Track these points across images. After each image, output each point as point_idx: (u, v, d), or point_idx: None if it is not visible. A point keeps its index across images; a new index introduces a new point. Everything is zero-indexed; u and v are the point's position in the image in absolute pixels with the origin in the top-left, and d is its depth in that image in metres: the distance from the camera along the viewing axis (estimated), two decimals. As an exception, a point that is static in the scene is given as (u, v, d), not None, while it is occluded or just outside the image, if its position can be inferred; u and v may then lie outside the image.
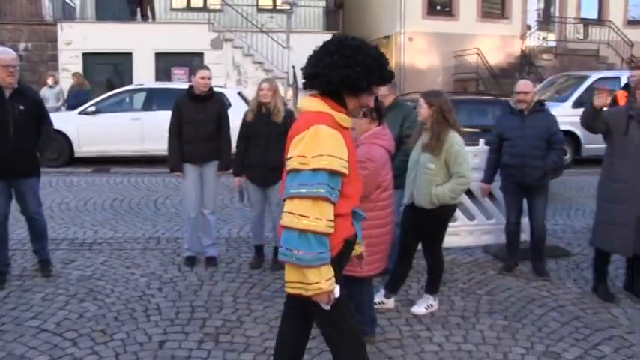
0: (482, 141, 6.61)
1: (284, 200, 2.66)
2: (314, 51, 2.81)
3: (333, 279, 2.67)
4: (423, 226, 4.69)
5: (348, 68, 2.66)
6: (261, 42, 17.38)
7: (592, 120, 4.95)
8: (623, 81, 9.93)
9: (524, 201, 5.87)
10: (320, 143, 2.60)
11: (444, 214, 4.64)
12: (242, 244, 6.71)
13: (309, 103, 2.79)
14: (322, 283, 2.63)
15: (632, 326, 4.68)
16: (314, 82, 2.77)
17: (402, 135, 5.17)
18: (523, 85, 5.71)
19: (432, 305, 4.86)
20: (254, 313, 4.80)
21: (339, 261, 2.83)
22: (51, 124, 5.61)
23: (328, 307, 2.73)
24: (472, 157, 6.26)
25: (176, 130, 5.85)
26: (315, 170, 2.57)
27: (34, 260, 5.76)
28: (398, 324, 4.64)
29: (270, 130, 5.63)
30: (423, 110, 4.59)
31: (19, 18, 17.88)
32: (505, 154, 5.74)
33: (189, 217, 5.96)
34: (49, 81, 14.21)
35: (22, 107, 5.19)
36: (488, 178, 6.00)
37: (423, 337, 4.42)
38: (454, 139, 4.49)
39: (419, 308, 4.83)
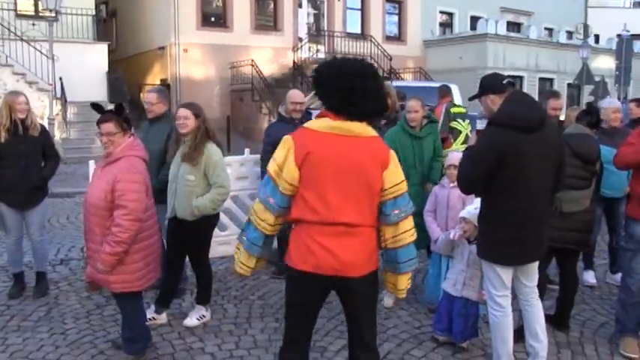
0: (247, 150, 6.78)
1: (398, 223, 3.03)
2: (373, 85, 2.94)
3: None
4: (188, 237, 4.69)
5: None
6: (22, 51, 16.01)
7: None
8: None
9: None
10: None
11: (206, 224, 4.69)
12: (0, 273, 6.13)
13: (367, 128, 2.99)
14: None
15: (388, 313, 5.16)
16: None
17: (166, 149, 5.00)
18: (299, 95, 5.92)
19: (204, 316, 4.87)
20: (11, 348, 4.41)
21: None
22: None
23: None
24: (239, 165, 6.41)
25: None
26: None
27: None
28: (170, 338, 4.59)
29: (28, 147, 5.28)
30: (190, 121, 4.57)
31: None
32: None
33: None
34: None
35: None
36: None
37: (195, 349, 4.42)
38: (212, 149, 4.56)
39: (191, 320, 4.81)
